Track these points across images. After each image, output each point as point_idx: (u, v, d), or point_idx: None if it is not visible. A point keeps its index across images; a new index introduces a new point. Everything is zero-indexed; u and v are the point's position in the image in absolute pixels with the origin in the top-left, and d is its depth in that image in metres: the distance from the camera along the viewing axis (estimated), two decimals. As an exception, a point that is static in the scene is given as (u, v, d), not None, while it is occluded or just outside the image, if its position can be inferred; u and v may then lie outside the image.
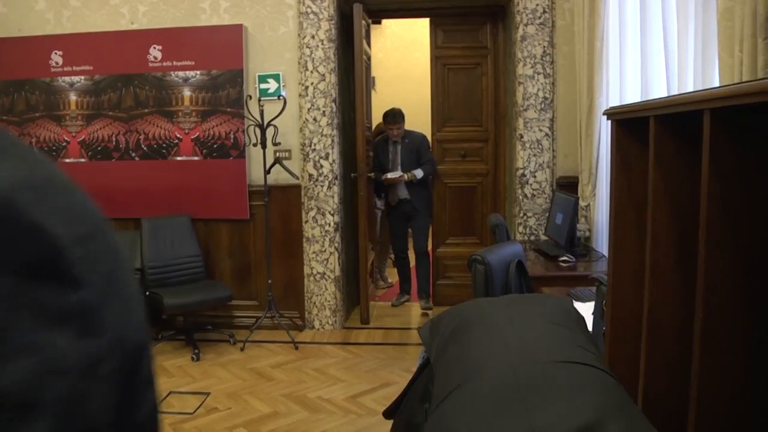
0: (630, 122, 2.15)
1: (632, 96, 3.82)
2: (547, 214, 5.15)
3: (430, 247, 6.44)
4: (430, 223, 6.38)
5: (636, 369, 1.98)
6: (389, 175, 6.08)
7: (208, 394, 4.37)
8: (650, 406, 1.90)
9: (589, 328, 2.17)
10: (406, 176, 6.02)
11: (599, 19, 4.22)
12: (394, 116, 6.06)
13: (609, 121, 2.35)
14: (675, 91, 2.94)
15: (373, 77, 7.82)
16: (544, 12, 5.18)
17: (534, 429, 1.05)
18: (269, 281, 5.44)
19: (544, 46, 5.20)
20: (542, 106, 5.25)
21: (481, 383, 1.21)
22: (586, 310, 2.70)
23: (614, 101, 4.14)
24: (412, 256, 6.51)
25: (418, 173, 6.03)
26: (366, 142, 5.85)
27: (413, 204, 6.16)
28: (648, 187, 1.93)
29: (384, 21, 8.77)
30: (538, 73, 5.23)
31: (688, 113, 1.62)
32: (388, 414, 1.67)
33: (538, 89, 5.24)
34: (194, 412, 4.11)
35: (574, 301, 3.01)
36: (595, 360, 1.25)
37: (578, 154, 4.89)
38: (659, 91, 3.29)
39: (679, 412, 1.72)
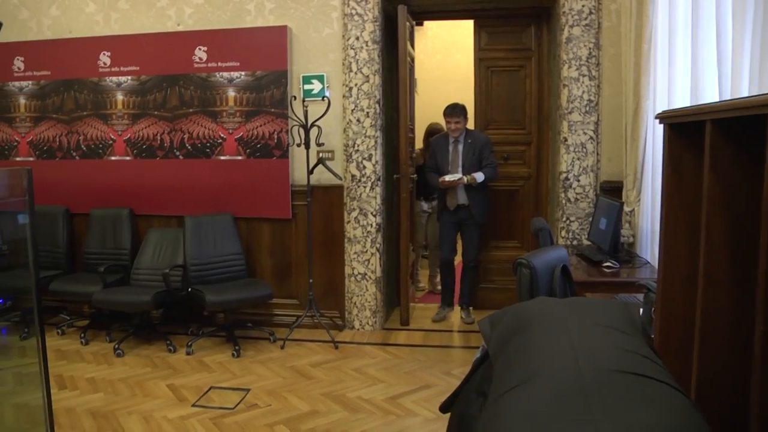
0: (683, 126, 2.11)
1: (681, 100, 3.75)
2: (590, 219, 5.09)
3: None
4: (482, 234, 5.96)
5: (687, 379, 1.94)
6: (447, 178, 5.61)
7: (248, 390, 4.41)
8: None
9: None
10: (465, 179, 5.58)
11: (647, 20, 4.15)
12: (454, 108, 5.66)
13: (661, 125, 2.30)
14: (728, 96, 2.88)
15: (415, 79, 7.81)
16: (590, 13, 5.12)
17: None
18: (310, 280, 5.47)
19: (589, 48, 5.14)
20: (587, 108, 5.19)
21: (544, 384, 1.19)
22: (632, 317, 2.65)
23: (661, 105, 4.07)
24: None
25: (479, 176, 5.59)
26: (409, 144, 5.84)
27: (470, 210, 5.74)
28: (702, 193, 1.89)
29: (425, 23, 8.77)
30: (584, 76, 5.18)
31: (747, 118, 1.58)
32: (444, 408, 1.67)
33: (583, 92, 5.18)
34: (234, 407, 4.15)
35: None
36: (666, 376, 1.22)
37: (623, 158, 4.82)
38: (711, 95, 3.22)
39: (735, 428, 1.68)
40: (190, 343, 5.21)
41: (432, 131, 6.52)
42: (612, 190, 5.05)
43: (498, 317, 1.53)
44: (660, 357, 1.37)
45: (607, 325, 1.39)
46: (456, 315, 6.14)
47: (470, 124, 5.95)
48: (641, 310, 2.71)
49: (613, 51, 5.10)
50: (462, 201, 5.74)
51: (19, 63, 6.10)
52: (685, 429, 1.09)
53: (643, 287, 2.90)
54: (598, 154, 5.23)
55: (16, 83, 6.14)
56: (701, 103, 2.76)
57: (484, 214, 5.84)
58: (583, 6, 5.12)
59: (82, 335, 5.49)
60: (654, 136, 4.27)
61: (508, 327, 1.47)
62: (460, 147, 5.73)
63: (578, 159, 5.24)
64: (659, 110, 4.00)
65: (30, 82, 6.11)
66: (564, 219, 5.31)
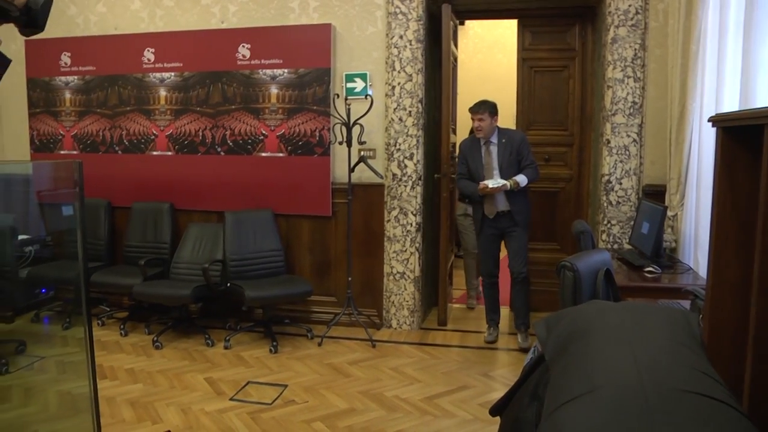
0: (738, 130, 2.07)
1: (730, 103, 3.67)
2: (631, 223, 5.01)
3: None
4: (527, 241, 5.35)
5: (739, 388, 1.90)
6: (491, 184, 5.00)
7: (285, 386, 4.43)
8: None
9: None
10: (509, 184, 5.00)
11: (696, 20, 4.07)
12: (479, 105, 5.11)
13: (711, 129, 2.26)
14: (782, 99, 2.81)
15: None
16: (637, 13, 5.04)
17: None
18: (349, 278, 5.47)
19: (635, 49, 5.07)
20: (631, 110, 5.11)
21: (605, 398, 1.17)
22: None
23: (709, 108, 3.99)
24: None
25: (522, 180, 5.04)
26: (451, 144, 5.81)
27: (513, 217, 5.17)
28: (757, 198, 1.85)
29: (467, 23, 8.72)
30: (628, 77, 5.10)
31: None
32: (495, 411, 1.65)
33: (628, 93, 5.11)
34: (272, 402, 4.17)
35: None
36: (728, 396, 1.19)
37: (666, 162, 4.74)
38: (763, 99, 3.15)
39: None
40: (228, 338, 5.25)
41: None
42: (654, 194, 4.97)
43: (554, 321, 1.51)
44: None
45: (669, 338, 1.35)
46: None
47: (510, 124, 5.86)
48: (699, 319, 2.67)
49: (659, 52, 5.02)
50: (503, 207, 5.18)
51: (66, 58, 6.22)
52: None
53: (690, 293, 2.85)
54: (641, 157, 5.15)
55: (63, 78, 6.25)
56: (759, 107, 2.71)
57: (527, 220, 5.28)
58: (629, 6, 5.04)
59: (122, 327, 5.57)
60: (700, 140, 4.19)
61: (565, 332, 1.44)
62: (494, 149, 5.17)
63: (621, 162, 5.17)
64: (706, 113, 3.95)
65: (75, 77, 6.22)
66: (605, 222, 5.24)
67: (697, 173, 4.24)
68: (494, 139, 5.16)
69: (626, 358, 1.25)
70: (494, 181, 5.05)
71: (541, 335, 1.50)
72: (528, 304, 5.34)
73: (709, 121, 2.32)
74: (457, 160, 5.60)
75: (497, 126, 5.20)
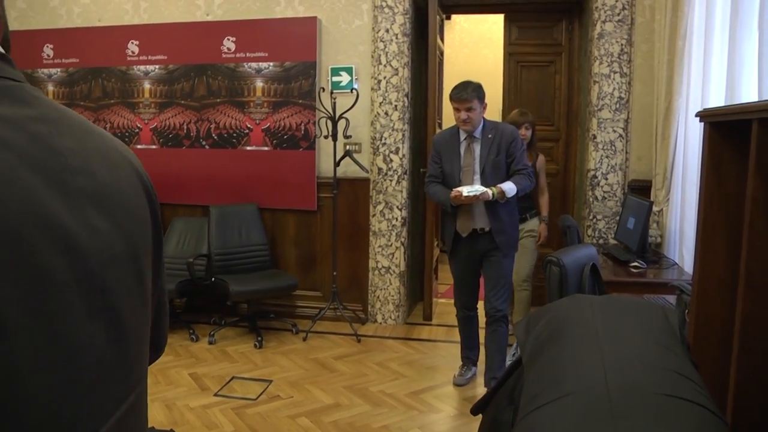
0: (725, 125, 2.07)
1: (716, 99, 3.68)
2: (617, 218, 5.03)
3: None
4: (512, 271, 4.35)
5: (724, 384, 1.90)
6: (465, 191, 3.93)
7: (270, 381, 4.41)
8: (740, 431, 1.82)
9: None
10: (491, 193, 3.94)
11: (683, 15, 4.08)
12: (464, 88, 4.03)
13: (697, 124, 2.26)
14: (767, 95, 2.82)
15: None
16: (624, 9, 5.05)
17: None
18: (334, 273, 5.46)
19: (621, 44, 5.08)
20: (617, 106, 5.13)
21: (573, 404, 1.17)
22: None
23: (695, 103, 4.01)
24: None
25: (509, 189, 3.99)
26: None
27: (494, 238, 4.10)
28: (745, 193, 1.86)
29: (453, 17, 8.72)
30: (615, 72, 5.11)
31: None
32: (475, 410, 1.65)
33: (614, 89, 5.12)
34: (257, 398, 4.15)
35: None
36: (700, 394, 1.19)
37: (652, 157, 4.76)
38: (749, 94, 3.16)
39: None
40: (212, 333, 5.22)
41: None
42: (640, 189, 4.99)
43: (534, 321, 1.51)
44: (697, 366, 1.35)
45: (643, 337, 1.36)
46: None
47: (495, 120, 5.78)
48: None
49: (645, 48, 5.03)
50: (481, 224, 4.11)
51: (48, 50, 6.14)
52: None
53: (676, 288, 2.86)
54: (627, 152, 5.17)
55: (45, 70, 6.17)
56: (746, 102, 2.71)
57: (513, 242, 4.23)
58: (616, 1, 5.05)
59: (106, 322, 5.51)
60: (686, 135, 4.21)
61: (542, 334, 1.45)
62: (476, 146, 4.11)
63: (607, 157, 5.18)
64: (692, 109, 3.96)
65: (59, 70, 6.15)
66: (591, 217, 5.26)
67: (682, 169, 4.26)
68: (478, 134, 4.10)
69: (595, 361, 1.25)
70: (472, 188, 3.96)
71: (520, 338, 1.51)
72: (504, 351, 4.26)
73: (696, 116, 2.32)
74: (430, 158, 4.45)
75: (484, 117, 4.17)
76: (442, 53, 6.20)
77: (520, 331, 1.51)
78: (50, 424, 0.74)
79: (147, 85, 5.93)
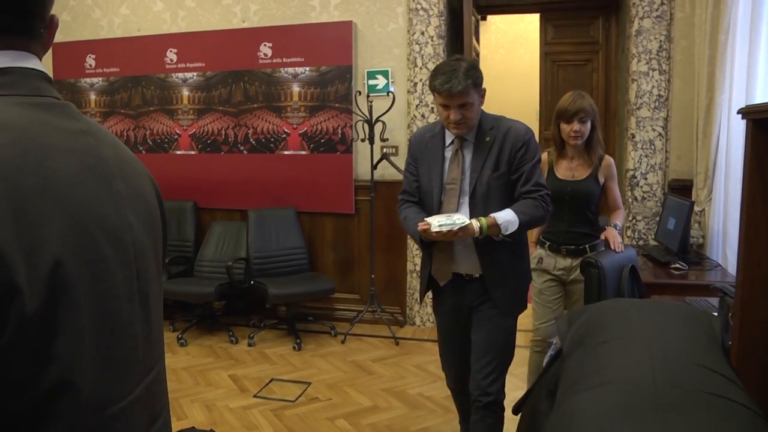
0: (768, 122, 2.03)
1: (762, 95, 3.62)
2: (657, 218, 4.95)
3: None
4: (515, 336, 2.93)
5: (768, 388, 1.86)
6: (435, 224, 2.62)
7: (309, 383, 4.43)
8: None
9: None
10: (477, 226, 2.64)
11: (726, 9, 4.00)
12: (453, 75, 2.64)
13: (740, 121, 2.22)
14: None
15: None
16: (662, 4, 4.97)
17: None
18: (372, 276, 5.46)
19: (660, 41, 5.00)
20: (656, 104, 5.05)
21: (617, 391, 1.18)
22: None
23: (738, 100, 3.94)
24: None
25: (508, 221, 2.67)
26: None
27: (487, 290, 2.82)
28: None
29: (489, 18, 8.69)
30: (653, 70, 5.04)
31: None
32: (516, 409, 1.65)
33: (653, 86, 5.05)
34: (296, 400, 4.17)
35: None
36: (743, 397, 1.18)
37: (693, 156, 4.68)
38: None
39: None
40: (251, 335, 5.27)
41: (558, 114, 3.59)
42: (681, 189, 4.90)
43: (576, 316, 1.52)
44: (736, 370, 1.34)
45: (687, 338, 1.36)
46: None
47: (533, 121, 5.70)
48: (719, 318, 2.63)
49: (685, 43, 4.95)
50: (467, 269, 2.85)
51: (90, 60, 6.27)
52: None
53: (718, 291, 2.80)
54: (666, 151, 5.09)
55: (88, 80, 6.31)
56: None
57: (518, 295, 2.91)
58: (654, -2, 4.99)
59: (148, 325, 5.60)
60: (729, 133, 4.13)
61: (584, 326, 1.45)
62: (468, 153, 2.81)
63: (646, 156, 5.11)
64: (735, 106, 3.88)
65: (100, 79, 6.27)
66: (630, 218, 5.19)
67: (725, 167, 4.18)
68: (471, 136, 2.81)
69: (642, 356, 1.26)
70: (447, 219, 2.66)
71: (561, 330, 1.51)
72: None
73: (738, 113, 2.28)
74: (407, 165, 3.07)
75: (482, 110, 2.85)
76: (477, 54, 6.18)
77: (563, 324, 1.52)
78: (92, 380, 0.91)
79: (185, 92, 6.02)
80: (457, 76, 2.62)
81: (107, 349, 0.95)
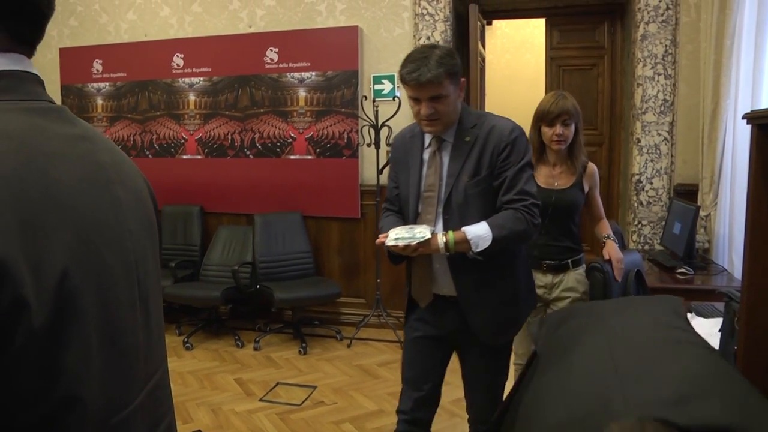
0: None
1: (767, 100, 3.61)
2: (663, 223, 4.94)
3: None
4: (507, 360, 2.64)
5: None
6: (392, 238, 2.35)
7: (314, 387, 4.44)
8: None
9: (715, 346, 2.08)
10: (440, 241, 2.32)
11: (731, 13, 4.00)
12: (423, 62, 2.29)
13: (745, 126, 2.22)
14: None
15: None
16: (668, 9, 4.97)
17: (626, 398, 1.05)
18: (378, 280, 5.47)
19: (666, 45, 5.00)
20: (662, 108, 5.05)
21: (575, 359, 1.25)
22: (709, 326, 2.56)
23: (744, 105, 3.94)
24: None
25: (480, 236, 2.31)
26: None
27: (466, 316, 2.47)
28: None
29: (494, 22, 8.70)
30: (659, 74, 5.04)
31: None
32: (497, 419, 1.68)
33: (658, 91, 5.05)
34: (301, 404, 4.18)
35: (695, 315, 2.87)
36: (702, 342, 1.25)
37: (699, 161, 4.67)
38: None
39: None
40: (257, 339, 5.28)
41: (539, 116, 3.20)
42: (686, 194, 4.90)
43: (547, 318, 1.57)
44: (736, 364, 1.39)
45: (651, 317, 1.43)
46: None
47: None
48: (716, 319, 2.63)
49: (691, 48, 4.95)
50: (447, 290, 2.50)
51: (97, 65, 6.31)
52: (709, 375, 1.11)
53: (724, 296, 2.79)
54: (672, 155, 5.09)
55: (95, 84, 6.34)
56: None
57: (506, 322, 2.54)
58: (660, 1, 4.98)
59: (154, 328, 5.62)
60: (734, 138, 4.12)
61: (554, 322, 1.51)
62: (445, 156, 2.47)
63: (651, 161, 5.11)
64: (741, 111, 3.88)
65: (107, 84, 6.30)
66: (635, 223, 5.18)
67: (731, 172, 4.17)
68: (450, 135, 2.46)
69: (601, 330, 1.35)
70: (406, 232, 2.36)
71: (533, 332, 1.60)
72: None
73: (743, 118, 2.28)
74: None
75: (463, 104, 2.50)
76: (483, 59, 6.19)
77: (534, 328, 1.59)
78: (98, 392, 0.90)
79: (192, 97, 6.05)
80: (428, 63, 2.27)
81: (111, 360, 0.94)
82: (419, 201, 2.50)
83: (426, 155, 2.51)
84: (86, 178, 0.95)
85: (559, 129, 3.10)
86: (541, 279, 3.14)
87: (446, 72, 2.29)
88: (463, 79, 2.44)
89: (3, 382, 0.77)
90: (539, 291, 3.06)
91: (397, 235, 2.33)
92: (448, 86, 2.32)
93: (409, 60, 2.33)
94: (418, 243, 2.27)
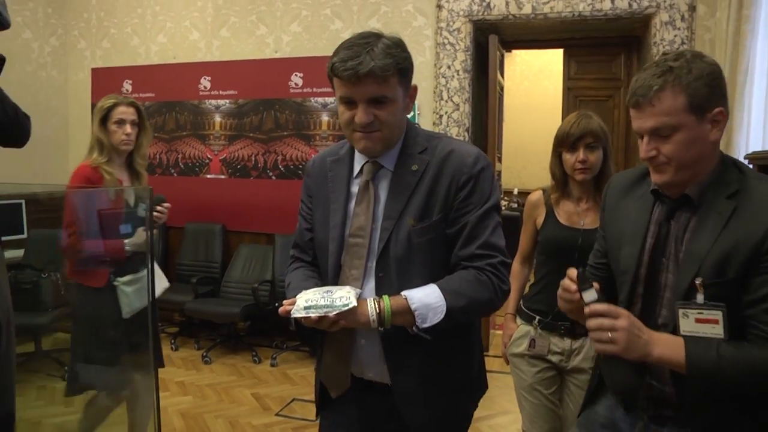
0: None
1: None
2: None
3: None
4: None
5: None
6: (302, 304, 1.62)
7: (330, 405, 4.52)
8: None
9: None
10: (371, 311, 1.60)
11: (744, 50, 4.08)
12: (365, 49, 1.62)
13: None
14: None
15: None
16: (683, 43, 5.07)
17: None
18: (392, 301, 5.54)
19: (680, 80, 5.08)
20: (676, 140, 5.12)
21: None
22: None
23: (756, 142, 3.98)
24: None
25: (428, 306, 1.61)
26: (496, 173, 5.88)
27: (401, 411, 1.76)
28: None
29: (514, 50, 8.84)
30: (674, 107, 5.11)
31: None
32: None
33: (673, 123, 5.12)
34: (316, 419, 4.24)
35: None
36: None
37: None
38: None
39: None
40: (274, 356, 5.39)
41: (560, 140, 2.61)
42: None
43: None
44: None
45: None
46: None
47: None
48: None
49: (705, 83, 5.02)
50: (370, 373, 1.82)
51: (127, 85, 6.51)
52: None
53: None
54: (686, 186, 5.15)
55: (124, 104, 6.52)
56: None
57: (453, 420, 1.91)
58: (675, 36, 5.08)
59: (173, 341, 5.77)
60: (745, 173, 4.18)
61: None
62: (382, 190, 1.78)
63: (666, 191, 5.17)
64: (753, 147, 3.95)
65: (136, 103, 6.48)
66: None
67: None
68: (389, 162, 1.79)
69: None
70: (321, 297, 1.64)
71: None
72: None
73: (745, 158, 2.36)
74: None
75: (411, 123, 1.85)
76: (502, 88, 6.31)
77: None
78: None
79: (218, 119, 6.22)
80: (372, 51, 1.62)
81: None
82: (342, 250, 1.79)
83: (354, 187, 1.82)
84: None
85: (582, 154, 2.49)
86: (557, 344, 2.57)
87: (396, 66, 1.64)
88: (414, 85, 1.79)
89: None
90: (554, 358, 2.58)
91: (309, 301, 1.62)
92: (395, 87, 1.67)
93: (344, 47, 1.68)
94: (338, 313, 1.57)
